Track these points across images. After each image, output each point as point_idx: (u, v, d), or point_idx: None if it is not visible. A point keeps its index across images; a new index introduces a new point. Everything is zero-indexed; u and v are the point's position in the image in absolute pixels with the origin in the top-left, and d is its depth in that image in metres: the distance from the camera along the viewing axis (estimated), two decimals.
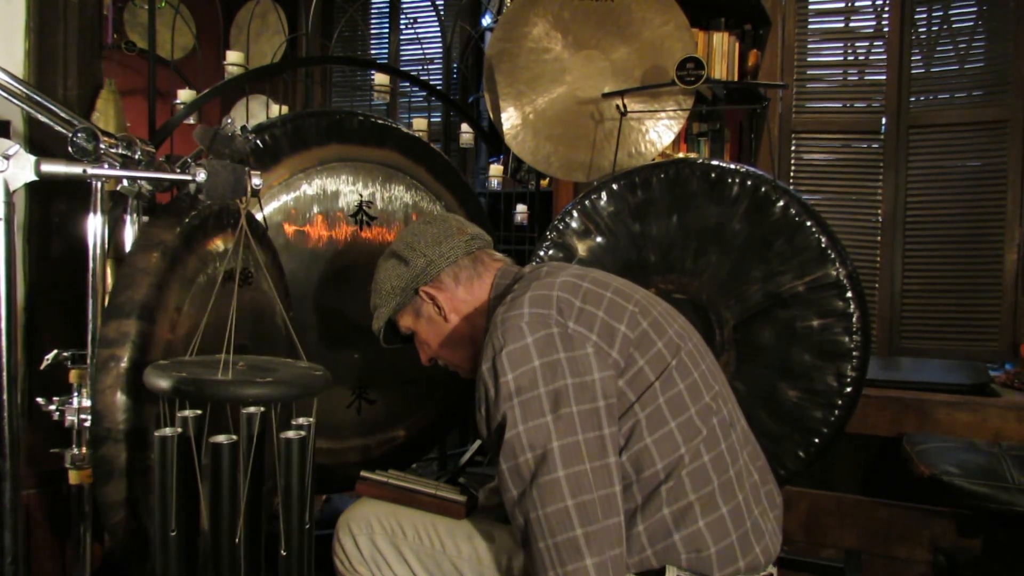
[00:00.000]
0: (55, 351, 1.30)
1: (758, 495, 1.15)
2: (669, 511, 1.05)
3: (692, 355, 1.15)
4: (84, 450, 1.28)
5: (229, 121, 1.21)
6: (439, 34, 3.71)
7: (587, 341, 1.05)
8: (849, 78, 3.52)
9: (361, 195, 1.94)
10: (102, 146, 1.18)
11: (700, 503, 1.06)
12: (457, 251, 1.28)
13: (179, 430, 1.02)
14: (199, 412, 1.03)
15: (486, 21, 3.80)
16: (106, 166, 1.21)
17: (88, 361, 1.26)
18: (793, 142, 3.53)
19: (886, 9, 3.39)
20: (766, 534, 1.12)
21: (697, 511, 1.06)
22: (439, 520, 1.25)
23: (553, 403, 1.00)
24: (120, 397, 1.12)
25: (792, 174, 3.53)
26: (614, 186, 1.99)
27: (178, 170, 1.24)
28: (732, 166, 1.92)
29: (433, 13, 4.19)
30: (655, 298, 1.21)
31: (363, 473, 1.34)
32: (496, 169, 3.67)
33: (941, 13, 3.32)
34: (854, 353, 1.83)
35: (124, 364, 1.13)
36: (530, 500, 0.99)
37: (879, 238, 3.37)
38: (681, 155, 3.04)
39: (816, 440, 1.85)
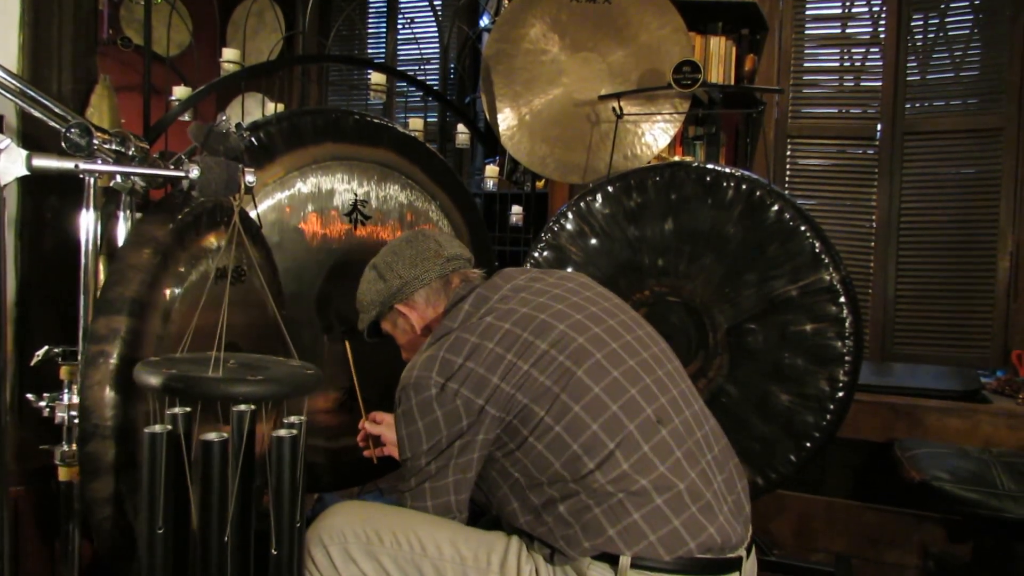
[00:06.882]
0: (46, 347, 1.30)
1: (708, 479, 1.19)
2: (600, 510, 1.12)
3: (611, 356, 1.22)
4: (74, 447, 1.27)
5: (224, 118, 1.21)
6: (436, 34, 3.71)
7: (457, 396, 1.20)
8: (845, 84, 3.52)
9: (356, 194, 1.93)
10: (95, 142, 1.18)
11: (630, 499, 1.12)
12: (431, 274, 1.40)
13: (169, 427, 1.02)
14: (188, 410, 1.03)
15: (484, 22, 3.80)
16: (99, 162, 1.20)
17: (79, 357, 1.25)
18: (789, 147, 3.54)
19: (883, 16, 3.40)
20: (720, 516, 1.16)
21: (629, 506, 1.12)
22: (418, 521, 1.23)
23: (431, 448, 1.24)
24: (108, 393, 1.11)
25: (787, 179, 3.54)
26: (609, 188, 1.99)
27: (172, 166, 1.24)
28: (727, 170, 1.92)
29: (431, 13, 4.19)
30: (575, 307, 1.27)
31: None
32: (492, 170, 3.67)
33: (937, 21, 3.34)
34: (846, 358, 1.83)
35: (113, 360, 1.12)
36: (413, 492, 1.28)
37: (873, 244, 3.38)
38: (677, 158, 3.05)
39: (808, 444, 1.86)
